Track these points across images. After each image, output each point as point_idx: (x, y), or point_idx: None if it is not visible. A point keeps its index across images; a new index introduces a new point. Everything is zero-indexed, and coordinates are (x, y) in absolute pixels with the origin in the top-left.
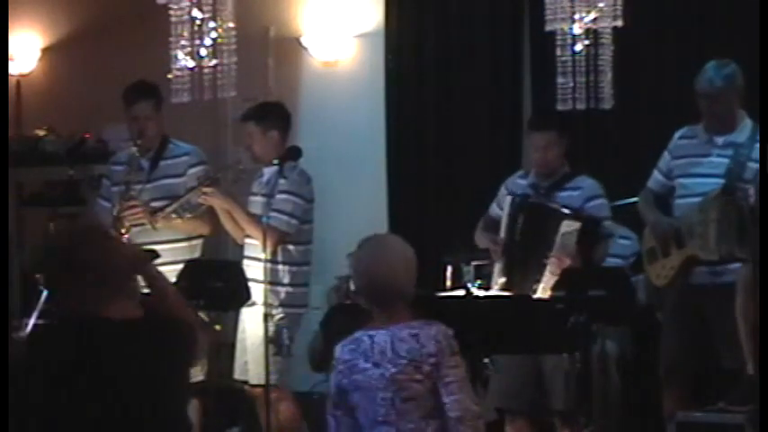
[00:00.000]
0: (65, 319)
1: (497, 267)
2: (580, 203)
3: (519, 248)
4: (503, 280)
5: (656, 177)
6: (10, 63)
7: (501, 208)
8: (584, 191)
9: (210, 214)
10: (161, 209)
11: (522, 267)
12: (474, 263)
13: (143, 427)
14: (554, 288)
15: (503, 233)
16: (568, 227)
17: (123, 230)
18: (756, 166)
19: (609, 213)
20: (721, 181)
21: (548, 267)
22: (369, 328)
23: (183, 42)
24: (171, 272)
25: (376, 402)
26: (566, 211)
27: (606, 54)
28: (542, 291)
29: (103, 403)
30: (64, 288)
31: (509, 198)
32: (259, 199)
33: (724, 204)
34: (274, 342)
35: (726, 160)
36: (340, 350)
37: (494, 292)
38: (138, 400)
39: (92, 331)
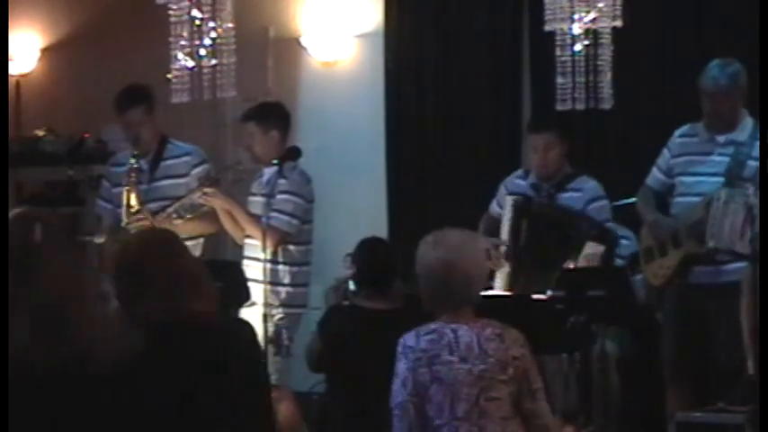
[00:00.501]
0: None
1: (502, 273)
2: (582, 205)
3: (525, 254)
4: (505, 283)
5: (656, 175)
6: (10, 63)
7: (501, 206)
8: (585, 193)
9: (212, 214)
10: (162, 209)
11: (530, 273)
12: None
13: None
14: (555, 288)
15: (504, 236)
16: (592, 249)
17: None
18: (757, 164)
19: (609, 215)
20: (722, 179)
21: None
22: (447, 323)
23: (182, 42)
24: None
25: (459, 398)
26: (584, 225)
27: (606, 54)
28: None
29: (194, 404)
30: (138, 297)
31: (510, 200)
32: (259, 199)
33: (732, 196)
34: (274, 342)
35: (727, 159)
36: (414, 339)
37: (494, 291)
38: (225, 399)
39: (178, 332)
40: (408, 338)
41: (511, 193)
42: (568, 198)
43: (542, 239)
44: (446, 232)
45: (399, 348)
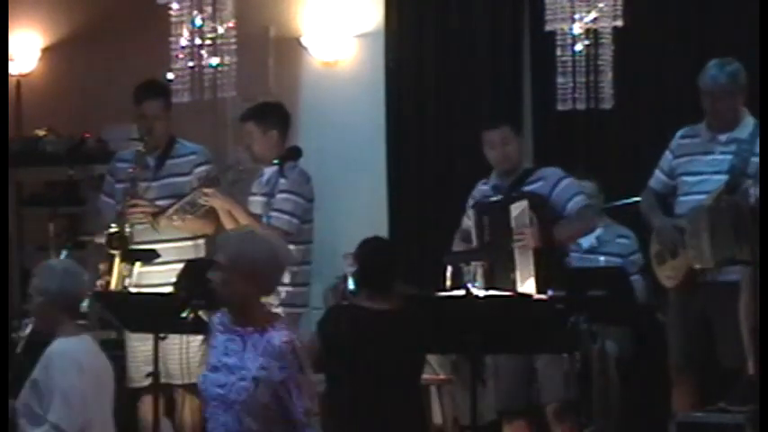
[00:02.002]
0: None
1: (479, 273)
2: (548, 191)
3: (493, 249)
4: (484, 286)
5: (658, 177)
6: (10, 63)
7: (470, 219)
8: (547, 179)
9: (213, 214)
10: (163, 210)
11: (501, 264)
12: (474, 263)
13: None
14: (540, 284)
15: (474, 242)
16: (516, 209)
17: (127, 227)
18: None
19: (578, 189)
20: (725, 177)
21: (515, 252)
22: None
23: (183, 42)
24: (175, 270)
25: None
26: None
27: (606, 54)
28: (521, 276)
29: None
30: None
31: (471, 210)
32: (259, 199)
33: (718, 209)
34: None
35: (729, 157)
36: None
37: (494, 292)
38: None
39: None
40: (297, 341)
41: (477, 201)
42: (531, 190)
43: (504, 229)
44: (252, 229)
45: (290, 353)
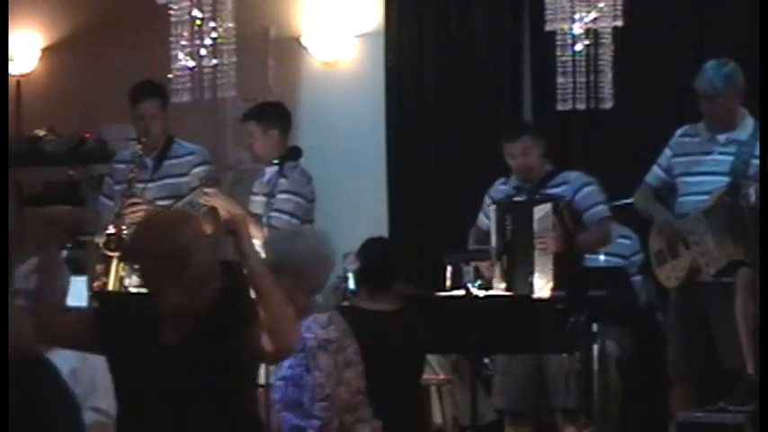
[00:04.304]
0: None
1: (496, 273)
2: (570, 196)
3: (514, 249)
4: (503, 285)
5: (657, 173)
6: (10, 63)
7: (488, 218)
8: (571, 184)
9: (213, 214)
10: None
11: (521, 265)
12: (474, 263)
13: None
14: (554, 287)
15: (494, 241)
16: (540, 211)
17: (124, 227)
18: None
19: (601, 198)
20: (725, 179)
21: (535, 254)
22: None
23: (183, 42)
24: None
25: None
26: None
27: (606, 54)
28: (539, 279)
29: None
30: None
31: (493, 207)
32: (260, 199)
33: (720, 210)
34: None
35: (728, 158)
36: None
37: (494, 292)
38: None
39: None
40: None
41: (498, 200)
42: (555, 193)
43: (527, 230)
44: (297, 230)
45: (315, 343)
